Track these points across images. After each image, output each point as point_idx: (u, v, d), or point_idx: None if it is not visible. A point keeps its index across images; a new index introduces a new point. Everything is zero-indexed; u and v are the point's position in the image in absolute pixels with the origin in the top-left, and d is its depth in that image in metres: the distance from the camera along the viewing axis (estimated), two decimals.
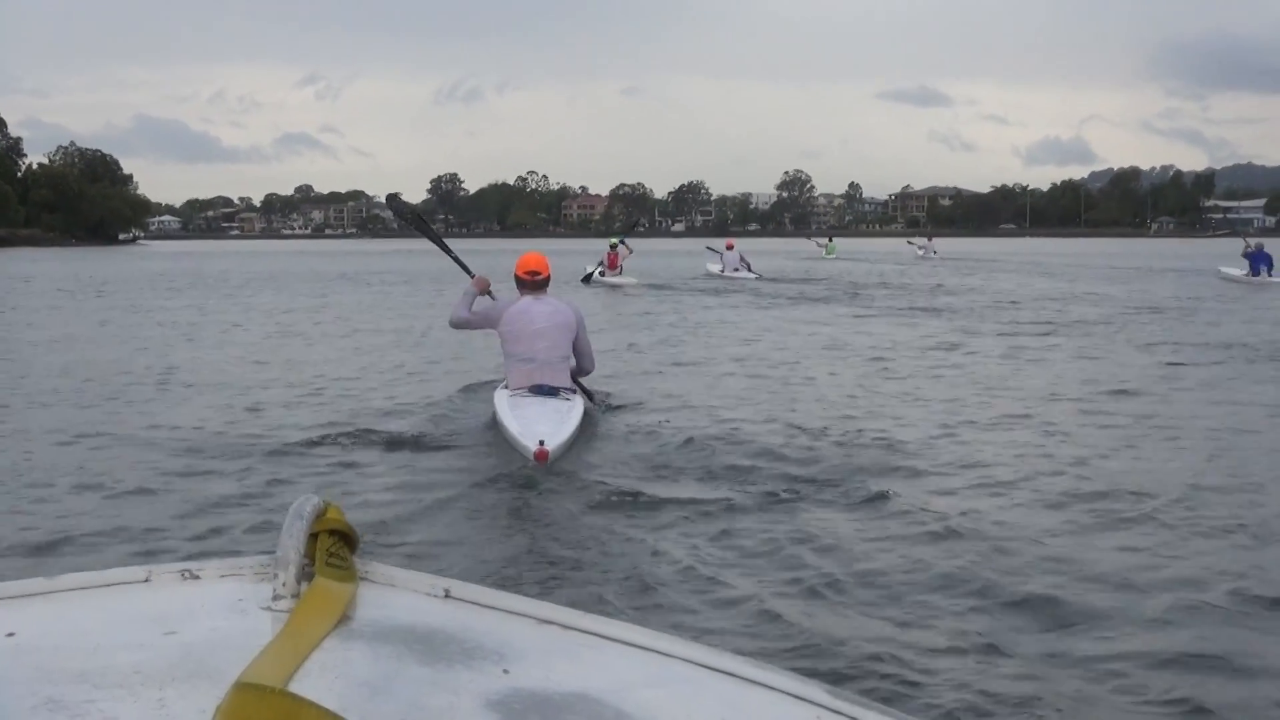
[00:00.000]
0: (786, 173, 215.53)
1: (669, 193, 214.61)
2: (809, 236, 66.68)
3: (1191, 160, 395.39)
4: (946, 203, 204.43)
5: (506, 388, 8.30)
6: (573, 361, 8.56)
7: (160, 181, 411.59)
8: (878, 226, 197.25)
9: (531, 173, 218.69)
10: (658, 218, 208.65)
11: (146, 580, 1.27)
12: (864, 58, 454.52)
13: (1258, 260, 29.83)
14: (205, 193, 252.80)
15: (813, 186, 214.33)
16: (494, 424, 8.10)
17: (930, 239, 61.00)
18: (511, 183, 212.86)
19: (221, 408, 9.78)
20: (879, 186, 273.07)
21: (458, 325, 8.85)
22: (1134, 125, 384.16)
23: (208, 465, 7.32)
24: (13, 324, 20.16)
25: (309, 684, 1.00)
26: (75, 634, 1.12)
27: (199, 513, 6.10)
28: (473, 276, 9.00)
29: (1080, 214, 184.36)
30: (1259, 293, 26.53)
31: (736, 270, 33.54)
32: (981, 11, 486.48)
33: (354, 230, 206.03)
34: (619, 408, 9.23)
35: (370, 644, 1.11)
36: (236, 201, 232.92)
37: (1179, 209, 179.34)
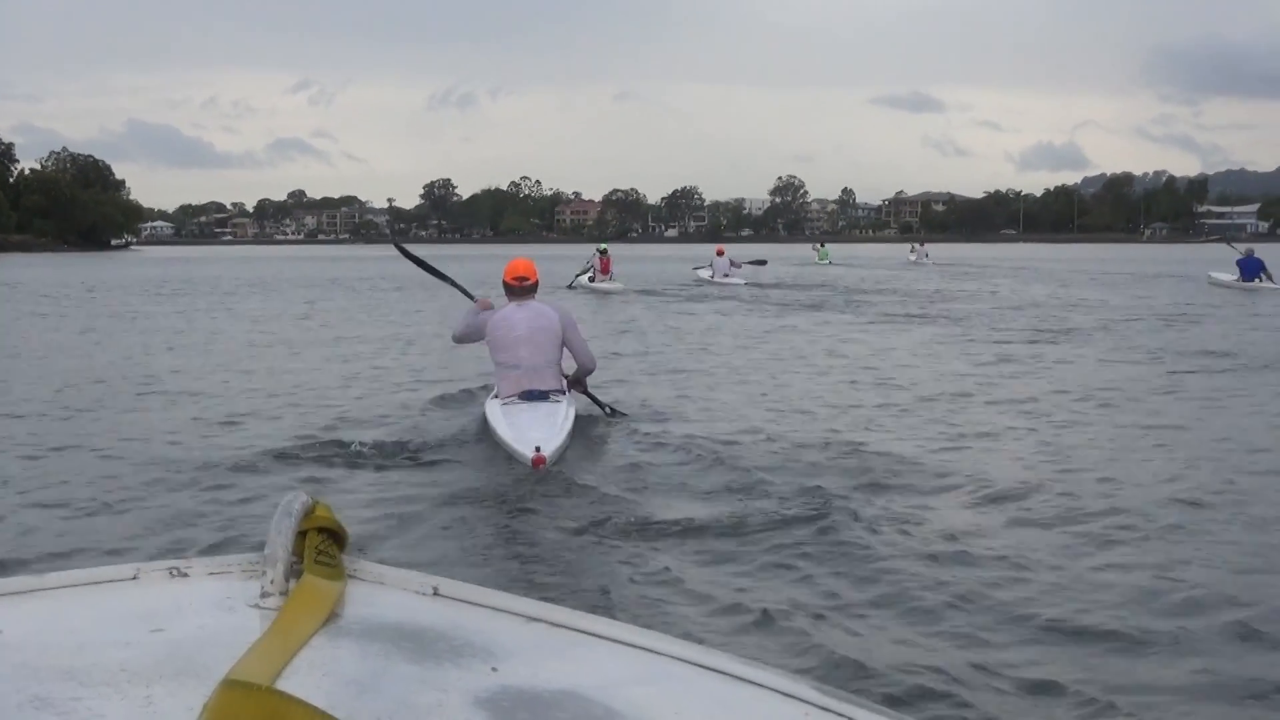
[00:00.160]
0: (780, 178, 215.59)
1: (662, 198, 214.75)
2: (812, 243, 66.39)
3: (1184, 166, 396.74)
4: (940, 208, 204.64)
5: (497, 397, 8.31)
6: (571, 363, 8.58)
7: (153, 187, 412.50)
8: (871, 232, 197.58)
9: (525, 178, 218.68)
10: (651, 223, 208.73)
11: (134, 578, 1.26)
12: (857, 63, 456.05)
13: (1248, 266, 29.97)
14: (198, 198, 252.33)
15: (806, 192, 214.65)
16: (485, 431, 8.11)
17: (922, 244, 61.05)
18: (505, 188, 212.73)
19: (202, 418, 9.63)
20: (872, 192, 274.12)
21: (458, 340, 8.94)
22: (1127, 131, 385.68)
23: (187, 475, 7.16)
24: None
25: (297, 681, 1.00)
26: (62, 632, 1.11)
27: (174, 525, 5.99)
28: (475, 300, 9.03)
29: (1073, 219, 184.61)
30: (1250, 298, 26.69)
31: (727, 276, 33.63)
32: (974, 17, 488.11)
33: (347, 236, 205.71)
34: (619, 415, 9.16)
35: (358, 642, 1.11)
36: (229, 207, 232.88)
37: (1172, 214, 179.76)
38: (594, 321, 19.16)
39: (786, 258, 62.10)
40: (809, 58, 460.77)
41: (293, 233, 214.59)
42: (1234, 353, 14.32)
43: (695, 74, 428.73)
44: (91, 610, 1.18)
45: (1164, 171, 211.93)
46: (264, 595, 1.18)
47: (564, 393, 8.34)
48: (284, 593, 1.18)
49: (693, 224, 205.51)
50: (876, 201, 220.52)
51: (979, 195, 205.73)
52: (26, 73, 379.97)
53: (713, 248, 39.26)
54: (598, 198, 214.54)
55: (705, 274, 34.78)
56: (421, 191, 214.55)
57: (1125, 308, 23.59)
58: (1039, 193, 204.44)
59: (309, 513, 1.24)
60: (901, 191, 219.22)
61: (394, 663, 1.07)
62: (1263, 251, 32.49)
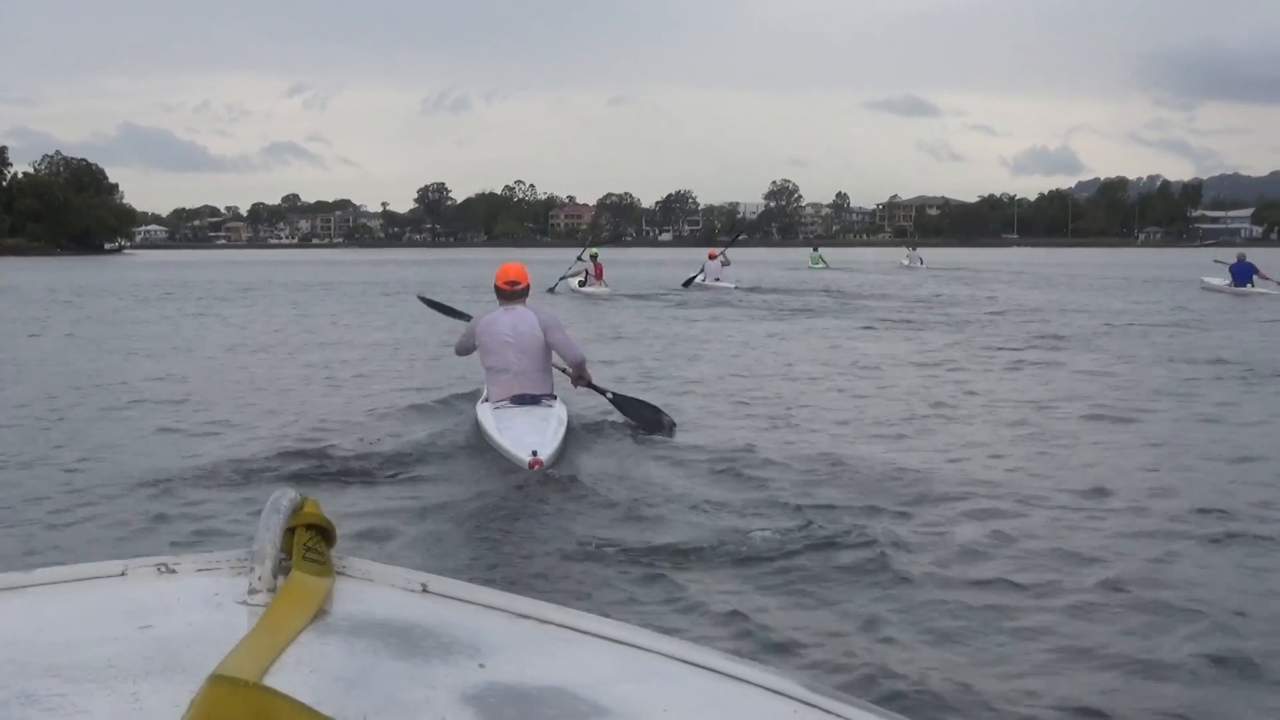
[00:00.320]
0: (774, 182, 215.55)
1: (656, 202, 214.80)
2: (811, 246, 66.33)
3: (1178, 170, 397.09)
4: (934, 213, 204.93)
5: (487, 400, 8.31)
6: (562, 362, 8.59)
7: (147, 191, 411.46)
8: (865, 236, 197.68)
9: (519, 182, 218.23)
10: (645, 227, 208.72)
11: (122, 574, 1.26)
12: (851, 67, 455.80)
13: (1239, 271, 30.18)
14: (192, 202, 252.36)
15: (800, 196, 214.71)
16: (476, 435, 8.11)
17: (915, 249, 61.19)
18: (499, 192, 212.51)
19: (181, 427, 9.58)
20: (867, 196, 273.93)
21: (459, 353, 8.97)
22: (1121, 135, 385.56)
23: (170, 483, 7.07)
24: None
25: (284, 678, 0.99)
26: (49, 628, 1.11)
27: (148, 533, 5.94)
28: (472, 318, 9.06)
29: (1068, 224, 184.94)
30: (1242, 302, 26.91)
31: (718, 280, 33.74)
32: (968, 22, 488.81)
33: (341, 240, 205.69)
34: (604, 427, 9.10)
35: (346, 638, 1.11)
36: (223, 211, 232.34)
37: (1166, 219, 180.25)
38: (585, 328, 19.14)
39: (780, 262, 62.16)
40: (803, 62, 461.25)
41: (287, 237, 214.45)
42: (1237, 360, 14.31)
43: (689, 78, 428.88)
44: (79, 606, 1.18)
45: (1158, 176, 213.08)
46: (252, 592, 1.18)
47: (554, 397, 8.36)
48: (272, 589, 1.17)
49: (687, 228, 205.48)
50: (871, 206, 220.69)
51: (973, 200, 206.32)
52: (20, 76, 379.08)
53: (704, 251, 39.39)
54: (592, 202, 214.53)
55: (699, 278, 34.84)
56: (415, 195, 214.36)
57: (1124, 312, 23.69)
58: (1033, 197, 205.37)
59: (297, 509, 1.24)
60: (896, 196, 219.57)
61: (382, 659, 1.07)
62: (1257, 256, 32.71)
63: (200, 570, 1.27)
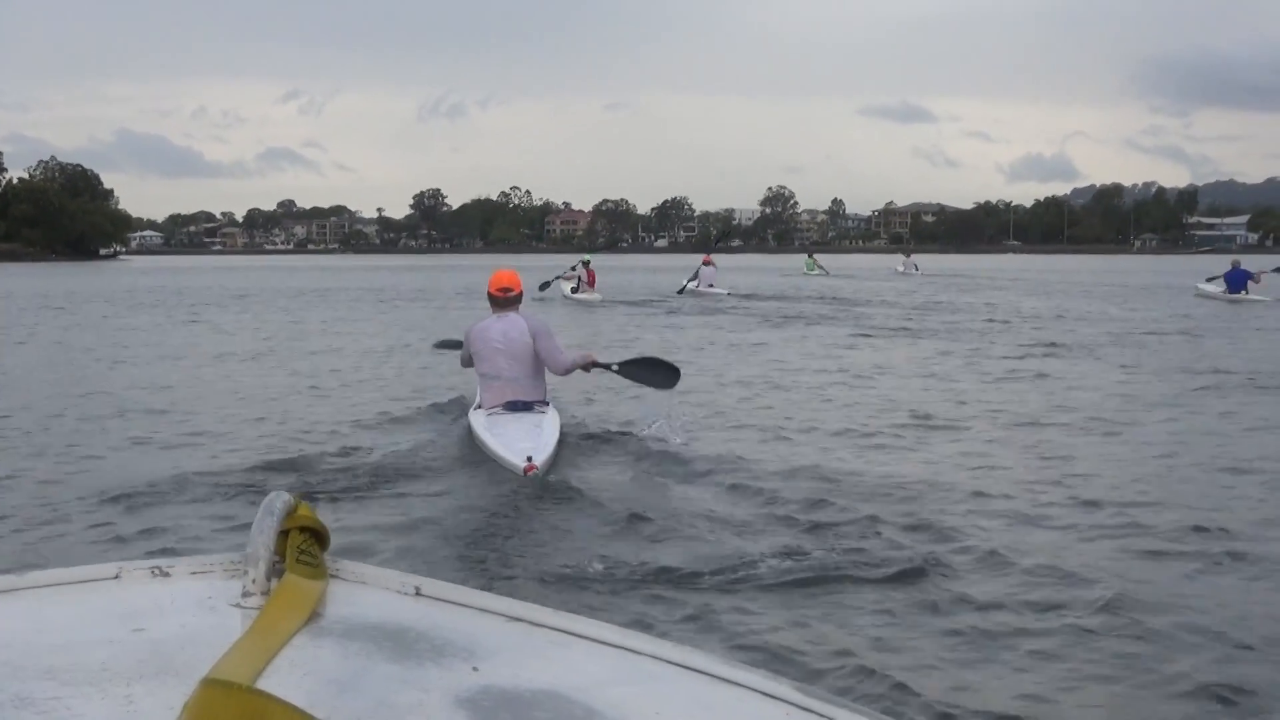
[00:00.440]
0: (770, 189, 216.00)
1: (652, 208, 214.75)
2: (807, 253, 66.29)
3: (1174, 177, 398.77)
4: (930, 219, 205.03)
5: (480, 407, 8.31)
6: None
7: (142, 196, 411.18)
8: (861, 243, 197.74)
9: (514, 188, 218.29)
10: (640, 233, 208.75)
11: (116, 577, 1.26)
12: (847, 73, 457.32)
13: (1234, 278, 30.30)
14: (187, 208, 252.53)
15: (796, 202, 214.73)
16: (469, 441, 8.11)
17: (910, 255, 61.25)
18: (494, 198, 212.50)
19: (175, 434, 9.50)
20: (862, 202, 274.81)
21: (463, 365, 8.95)
22: (1117, 142, 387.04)
23: (166, 488, 7.03)
24: None
25: (277, 681, 1.00)
26: (44, 631, 1.11)
27: (139, 539, 5.89)
28: None
29: (1064, 230, 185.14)
30: (1235, 309, 27.10)
31: (711, 286, 33.84)
32: (965, 28, 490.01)
33: (336, 246, 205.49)
34: (597, 434, 9.06)
35: (340, 641, 1.11)
36: (219, 216, 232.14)
37: (1162, 225, 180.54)
38: (575, 335, 19.09)
39: (776, 268, 62.17)
40: (799, 68, 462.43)
41: (282, 242, 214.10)
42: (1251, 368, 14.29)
43: (686, 84, 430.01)
44: (73, 609, 1.18)
45: (1154, 182, 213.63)
46: (245, 595, 1.18)
47: (547, 404, 8.36)
48: (265, 592, 1.17)
49: (683, 234, 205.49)
50: (866, 212, 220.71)
51: (969, 206, 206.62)
52: (15, 82, 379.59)
53: (698, 257, 39.51)
54: (587, 208, 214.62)
55: (692, 284, 34.87)
56: (411, 201, 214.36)
57: (1121, 319, 23.72)
58: (1029, 203, 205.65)
59: (291, 512, 1.24)
60: (891, 202, 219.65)
61: (375, 662, 1.07)
62: (1253, 262, 32.87)
63: (194, 573, 1.27)
